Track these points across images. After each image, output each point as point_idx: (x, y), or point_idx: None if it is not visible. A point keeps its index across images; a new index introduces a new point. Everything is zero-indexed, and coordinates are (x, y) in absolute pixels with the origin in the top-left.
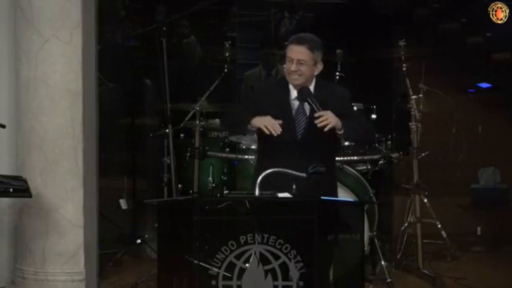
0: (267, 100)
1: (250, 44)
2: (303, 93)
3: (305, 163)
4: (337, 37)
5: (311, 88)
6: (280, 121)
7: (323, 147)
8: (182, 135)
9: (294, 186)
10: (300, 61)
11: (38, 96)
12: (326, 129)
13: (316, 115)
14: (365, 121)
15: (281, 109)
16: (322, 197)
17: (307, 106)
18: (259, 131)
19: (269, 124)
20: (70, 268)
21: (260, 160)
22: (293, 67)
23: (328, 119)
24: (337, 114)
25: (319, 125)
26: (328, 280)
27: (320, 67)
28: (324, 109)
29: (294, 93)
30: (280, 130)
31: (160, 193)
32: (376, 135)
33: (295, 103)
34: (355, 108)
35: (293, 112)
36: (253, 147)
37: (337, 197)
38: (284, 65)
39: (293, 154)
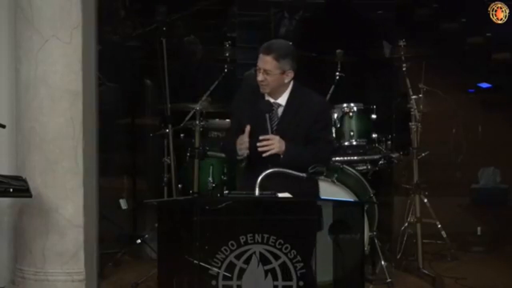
0: (245, 107)
1: (250, 44)
2: (264, 107)
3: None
4: (337, 37)
5: (285, 97)
6: (246, 139)
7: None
8: (182, 135)
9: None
10: (266, 71)
11: (38, 96)
12: (265, 154)
13: (260, 138)
14: (324, 141)
15: (256, 116)
16: (322, 197)
17: (280, 110)
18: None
19: (239, 147)
20: (70, 268)
21: (245, 166)
22: (260, 77)
23: (270, 145)
24: (302, 128)
25: (259, 149)
26: (328, 280)
27: (290, 75)
28: (291, 121)
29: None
30: (246, 151)
31: (160, 193)
32: (375, 135)
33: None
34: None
35: (268, 122)
36: None
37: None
38: None
39: (265, 166)
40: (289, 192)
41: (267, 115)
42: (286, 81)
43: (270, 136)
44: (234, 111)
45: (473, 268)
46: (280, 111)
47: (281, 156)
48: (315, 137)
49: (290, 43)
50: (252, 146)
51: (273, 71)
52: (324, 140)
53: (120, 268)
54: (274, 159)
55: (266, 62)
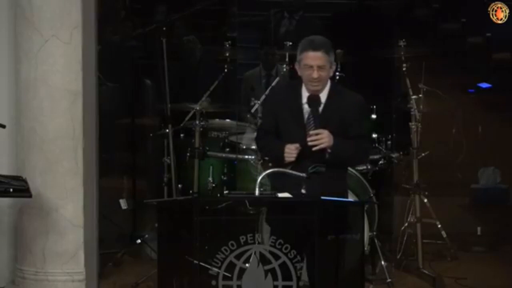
0: (281, 108)
1: (250, 44)
2: (312, 103)
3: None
4: (337, 37)
5: (325, 93)
6: (297, 145)
7: None
8: (182, 135)
9: (303, 191)
10: (320, 67)
11: (38, 96)
12: (315, 148)
13: (311, 132)
14: (365, 138)
15: (293, 116)
16: (322, 197)
17: (320, 107)
18: (278, 135)
19: (287, 155)
20: (70, 268)
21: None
22: (315, 74)
23: (321, 140)
24: (342, 125)
25: (309, 143)
26: (328, 280)
27: (334, 68)
28: (332, 117)
29: (305, 97)
30: (292, 159)
31: (160, 193)
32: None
33: (306, 107)
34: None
35: (305, 118)
36: (253, 147)
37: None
38: (285, 66)
39: (303, 159)
40: (321, 191)
41: (314, 110)
42: (331, 75)
43: (320, 130)
44: (269, 108)
45: (473, 268)
46: (320, 108)
47: (329, 151)
48: (356, 135)
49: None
50: (293, 141)
51: (326, 65)
52: (365, 138)
53: (120, 268)
54: (316, 154)
55: (318, 58)
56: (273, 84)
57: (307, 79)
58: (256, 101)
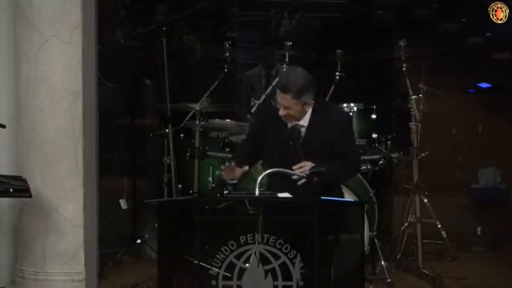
0: (268, 126)
1: (250, 44)
2: (291, 134)
3: (308, 191)
4: (337, 37)
5: (306, 118)
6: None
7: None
8: (182, 135)
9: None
10: (286, 107)
11: (38, 96)
12: (300, 182)
13: (294, 167)
14: (352, 153)
15: (278, 138)
16: (322, 197)
17: (303, 131)
18: (265, 157)
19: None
20: (70, 268)
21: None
22: (281, 112)
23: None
24: (327, 145)
25: (294, 177)
26: (328, 280)
27: (311, 102)
28: (315, 140)
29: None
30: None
31: (160, 193)
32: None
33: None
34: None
35: (289, 143)
36: None
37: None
38: (285, 66)
39: (292, 186)
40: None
41: (295, 144)
42: (307, 109)
43: (303, 163)
44: (254, 126)
45: (473, 268)
46: (303, 131)
47: (315, 180)
48: (342, 152)
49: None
50: (277, 162)
51: (293, 107)
52: (352, 153)
53: (120, 268)
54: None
55: (285, 99)
56: (273, 84)
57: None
58: (256, 101)
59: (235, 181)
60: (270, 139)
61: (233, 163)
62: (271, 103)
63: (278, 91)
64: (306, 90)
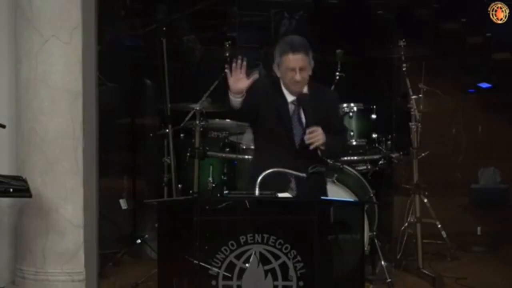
0: (266, 104)
1: (250, 44)
2: (302, 102)
3: (302, 168)
4: (337, 37)
5: (304, 91)
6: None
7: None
8: (182, 135)
9: (293, 186)
10: (302, 69)
11: (38, 96)
12: (312, 147)
13: (308, 130)
14: (345, 132)
15: (280, 114)
16: (322, 197)
17: (301, 111)
18: (255, 130)
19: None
20: (70, 268)
21: (257, 160)
22: (298, 77)
23: (316, 137)
24: (326, 120)
25: (307, 141)
26: (328, 280)
27: (312, 66)
28: (316, 114)
29: (289, 97)
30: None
31: (160, 193)
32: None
33: (291, 108)
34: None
35: (291, 118)
36: (252, 147)
37: (326, 196)
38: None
39: (291, 158)
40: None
41: (305, 108)
42: (310, 74)
43: (314, 128)
44: (253, 97)
45: (473, 268)
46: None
47: (322, 148)
48: (341, 128)
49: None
50: (277, 137)
51: (307, 67)
52: (344, 131)
53: (120, 268)
54: (311, 153)
55: (300, 60)
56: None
57: (290, 82)
58: None
59: (241, 96)
60: (270, 111)
61: (240, 70)
62: (262, 82)
63: (287, 56)
64: (310, 49)
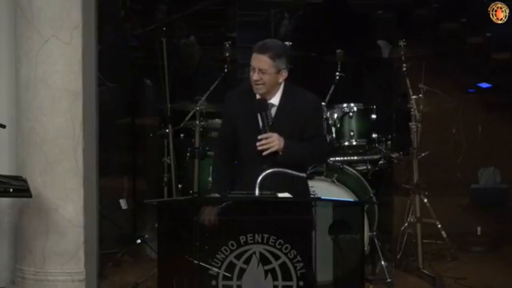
0: (237, 115)
1: (250, 44)
2: (258, 106)
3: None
4: (337, 37)
5: (277, 97)
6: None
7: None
8: (182, 135)
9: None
10: (262, 70)
11: (38, 96)
12: (265, 153)
13: (259, 137)
14: (321, 138)
15: (249, 123)
16: (322, 197)
17: (273, 110)
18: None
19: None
20: (70, 268)
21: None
22: (255, 76)
23: (270, 143)
24: (296, 127)
25: (259, 148)
26: (328, 280)
27: (284, 74)
28: (285, 120)
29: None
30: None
31: (160, 193)
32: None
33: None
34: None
35: (260, 124)
36: None
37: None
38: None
39: (259, 163)
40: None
41: (263, 114)
42: (280, 80)
43: (268, 134)
44: (226, 113)
45: (473, 268)
46: (273, 111)
47: (280, 154)
48: (311, 135)
49: (285, 42)
50: (249, 147)
51: (268, 70)
52: (320, 137)
53: (120, 268)
54: (271, 158)
55: (261, 61)
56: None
57: (252, 82)
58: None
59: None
60: (242, 120)
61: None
62: (234, 93)
63: (253, 54)
64: (282, 55)
